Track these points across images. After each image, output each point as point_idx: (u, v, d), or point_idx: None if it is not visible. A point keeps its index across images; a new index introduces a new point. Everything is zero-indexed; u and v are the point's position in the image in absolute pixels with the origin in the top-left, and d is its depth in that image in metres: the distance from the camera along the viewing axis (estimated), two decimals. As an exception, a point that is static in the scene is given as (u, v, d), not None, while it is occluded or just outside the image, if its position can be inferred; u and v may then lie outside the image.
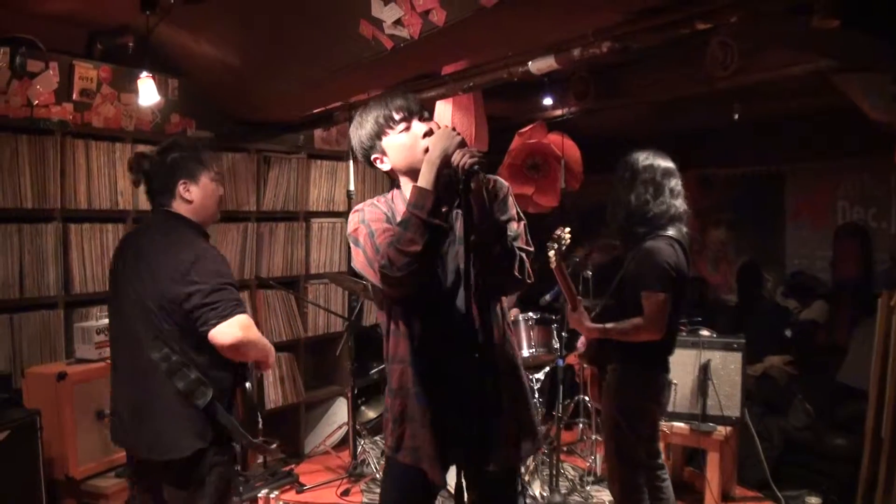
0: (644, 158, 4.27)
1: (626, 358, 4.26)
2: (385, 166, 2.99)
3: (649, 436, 4.39)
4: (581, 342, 4.70)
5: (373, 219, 2.87)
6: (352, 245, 2.91)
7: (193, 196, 3.48)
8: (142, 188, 3.58)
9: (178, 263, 3.29)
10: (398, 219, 2.80)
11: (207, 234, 3.61)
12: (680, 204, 4.23)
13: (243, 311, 3.35)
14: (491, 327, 2.94)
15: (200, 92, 6.17)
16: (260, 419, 3.68)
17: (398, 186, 3.04)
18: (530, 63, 4.46)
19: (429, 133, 2.87)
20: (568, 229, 4.30)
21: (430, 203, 2.65)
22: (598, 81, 5.91)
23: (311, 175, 7.18)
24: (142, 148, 5.66)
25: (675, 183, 4.23)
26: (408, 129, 2.90)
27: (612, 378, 4.34)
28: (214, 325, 3.24)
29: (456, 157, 2.65)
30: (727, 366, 5.42)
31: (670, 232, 4.15)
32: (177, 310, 3.28)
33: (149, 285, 3.33)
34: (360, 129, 2.98)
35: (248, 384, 3.52)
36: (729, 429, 5.41)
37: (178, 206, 3.48)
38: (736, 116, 5.91)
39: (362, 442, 6.53)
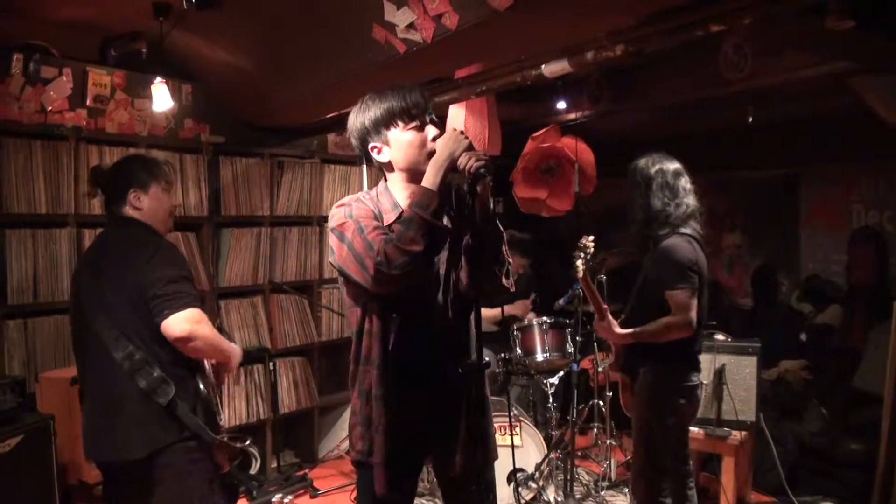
0: (653, 163, 4.31)
1: (658, 359, 4.26)
2: (382, 157, 2.93)
3: (678, 438, 4.39)
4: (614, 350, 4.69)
5: (361, 215, 2.82)
6: (334, 239, 2.84)
7: (143, 204, 3.59)
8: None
9: (137, 258, 3.38)
10: (384, 216, 2.83)
11: (161, 234, 3.67)
12: (692, 201, 4.26)
13: (196, 306, 3.39)
14: (469, 332, 2.95)
15: (214, 97, 6.19)
16: (220, 418, 3.64)
17: (385, 180, 3.01)
18: (543, 66, 4.44)
19: (437, 138, 2.85)
20: (592, 238, 4.30)
21: (434, 204, 2.65)
22: (613, 84, 5.88)
23: (325, 179, 7.19)
24: (156, 153, 5.77)
25: (685, 181, 4.28)
26: (419, 128, 2.88)
27: (645, 380, 4.34)
28: (167, 317, 3.29)
29: (462, 161, 2.66)
30: (742, 370, 5.39)
31: (687, 230, 4.17)
32: (139, 303, 3.33)
33: (110, 284, 3.39)
34: (366, 112, 2.91)
35: (201, 385, 3.52)
36: (744, 433, 5.37)
37: (131, 213, 3.59)
38: (750, 119, 5.88)
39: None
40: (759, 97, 5.63)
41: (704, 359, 5.33)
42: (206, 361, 3.62)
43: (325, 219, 6.96)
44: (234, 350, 3.69)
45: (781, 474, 5.61)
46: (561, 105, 6.39)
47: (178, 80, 5.91)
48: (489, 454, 3.06)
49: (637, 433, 4.41)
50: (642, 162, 4.35)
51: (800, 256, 7.97)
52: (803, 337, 7.08)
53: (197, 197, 6.16)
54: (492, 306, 5.71)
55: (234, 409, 6.33)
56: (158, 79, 5.36)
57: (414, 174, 2.82)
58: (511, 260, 2.97)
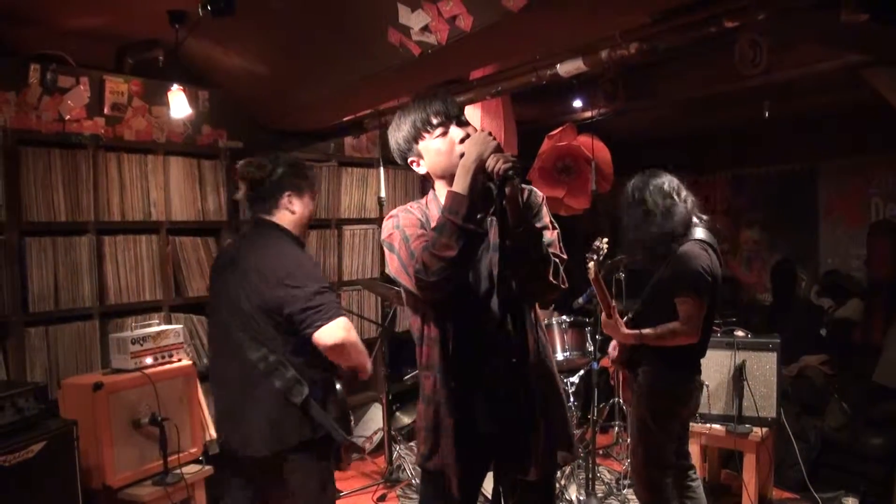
0: (644, 185, 4.32)
1: (657, 360, 4.27)
2: (421, 169, 2.96)
3: (679, 437, 4.40)
4: (613, 346, 4.67)
5: (407, 224, 2.85)
6: (386, 251, 2.89)
7: (296, 208, 3.75)
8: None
9: (278, 269, 3.52)
10: (433, 224, 2.79)
11: (303, 243, 3.84)
12: (688, 199, 4.26)
13: (343, 314, 3.56)
14: (525, 334, 2.91)
15: (230, 102, 6.20)
16: (352, 419, 3.90)
17: (433, 189, 3.03)
18: (558, 66, 4.45)
19: (465, 138, 2.84)
20: (605, 239, 4.31)
21: (464, 208, 2.63)
22: (628, 82, 5.87)
23: (343, 182, 7.20)
24: (174, 160, 5.84)
25: (667, 185, 4.27)
26: (444, 133, 2.87)
27: (644, 379, 4.34)
28: (319, 328, 3.46)
29: (490, 163, 2.64)
30: (763, 366, 5.36)
31: (700, 235, 4.15)
32: (276, 314, 3.51)
33: (248, 291, 3.57)
34: (397, 132, 2.95)
35: (338, 386, 3.77)
36: (765, 430, 5.33)
37: (280, 217, 3.74)
38: (766, 114, 5.86)
39: (397, 447, 6.52)
40: (776, 92, 5.61)
41: (724, 355, 5.35)
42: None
43: (343, 221, 7.02)
44: (368, 356, 3.80)
45: (803, 470, 5.58)
46: (576, 104, 6.37)
47: (194, 86, 5.93)
48: (570, 453, 3.04)
49: (635, 432, 4.40)
50: (633, 185, 4.38)
51: (819, 251, 7.95)
52: (823, 332, 7.06)
53: (216, 202, 6.17)
54: (544, 306, 5.71)
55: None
56: (175, 86, 5.38)
57: (451, 178, 2.78)
58: (565, 256, 2.95)
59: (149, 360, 4.70)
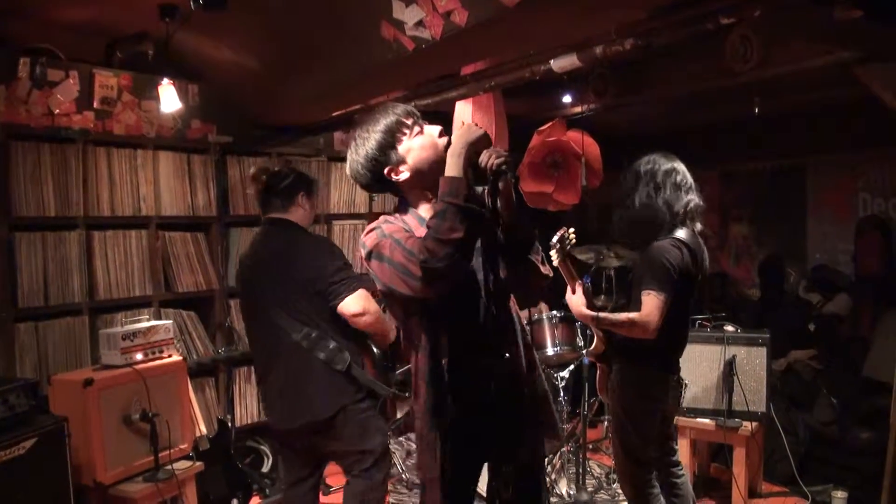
0: (646, 163, 4.26)
1: (629, 358, 4.24)
2: (403, 176, 2.85)
3: (660, 433, 4.35)
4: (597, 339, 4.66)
5: (394, 230, 2.75)
6: (374, 263, 2.76)
7: (307, 206, 4.39)
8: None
9: (304, 253, 4.17)
10: (415, 233, 2.74)
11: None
12: (689, 200, 4.18)
13: (362, 286, 4.13)
14: (514, 329, 2.95)
15: (221, 97, 6.17)
16: (392, 374, 4.55)
17: (407, 205, 2.96)
18: (552, 61, 4.41)
19: (442, 132, 2.84)
20: (572, 230, 4.28)
21: (463, 189, 2.59)
22: (618, 78, 5.83)
23: (332, 177, 7.16)
24: (164, 154, 5.85)
25: (681, 179, 4.19)
26: (422, 131, 2.85)
27: (616, 377, 4.31)
28: (343, 298, 4.08)
29: (483, 158, 2.63)
30: (752, 361, 5.39)
31: (679, 234, 4.10)
32: (310, 291, 4.10)
33: (283, 278, 4.13)
34: (365, 145, 2.84)
35: (374, 348, 4.40)
36: (755, 424, 5.37)
37: (293, 213, 4.33)
38: (756, 110, 5.84)
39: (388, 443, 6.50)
40: (766, 87, 5.59)
41: (714, 350, 5.37)
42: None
43: (333, 216, 6.98)
44: (392, 325, 4.28)
45: (792, 464, 5.61)
46: (566, 99, 6.35)
47: (184, 80, 5.89)
48: (556, 444, 3.06)
49: (613, 430, 4.40)
50: (638, 161, 4.30)
51: (807, 246, 7.97)
52: (811, 326, 7.07)
53: (205, 197, 6.14)
54: (534, 302, 5.80)
55: (246, 408, 6.31)
56: (165, 80, 5.35)
57: (434, 187, 2.71)
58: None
59: (139, 356, 4.67)
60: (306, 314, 4.11)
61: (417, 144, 2.83)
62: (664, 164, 4.22)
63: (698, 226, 4.24)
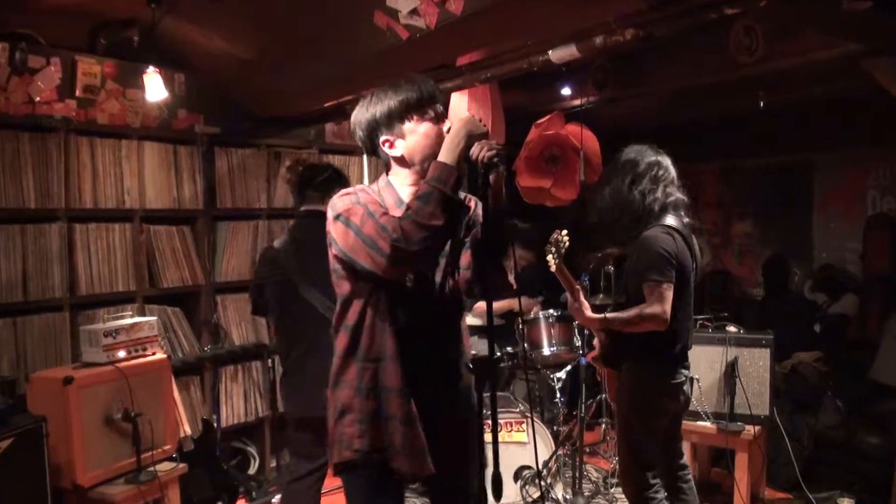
0: (629, 153, 4.28)
1: (640, 355, 4.22)
2: (394, 152, 2.87)
3: (669, 434, 4.36)
4: (596, 343, 4.66)
5: (369, 201, 2.78)
6: (339, 227, 2.77)
7: None
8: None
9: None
10: (391, 212, 2.75)
11: None
12: (671, 192, 4.20)
13: None
14: (461, 334, 3.03)
15: (208, 86, 6.16)
16: None
17: (388, 174, 2.98)
18: (550, 52, 4.40)
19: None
20: (565, 232, 4.28)
21: (453, 179, 2.63)
22: (618, 70, 5.84)
23: (323, 170, 7.10)
24: (149, 145, 5.82)
25: (663, 172, 4.21)
26: (434, 120, 2.86)
27: (627, 376, 4.31)
28: None
29: (475, 151, 2.64)
30: (755, 363, 5.38)
31: (668, 221, 4.12)
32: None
33: (318, 270, 3.74)
34: (378, 105, 2.86)
35: None
36: (757, 428, 5.35)
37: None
38: (762, 104, 5.84)
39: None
40: (772, 81, 5.59)
41: (716, 351, 5.36)
42: None
43: (324, 210, 6.95)
44: None
45: (797, 469, 5.59)
46: (565, 91, 6.35)
47: (171, 68, 5.86)
48: (473, 462, 2.99)
49: (620, 430, 4.39)
50: (621, 152, 4.33)
51: (813, 245, 7.98)
52: (817, 328, 7.08)
53: (192, 190, 6.13)
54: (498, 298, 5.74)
55: (233, 408, 6.30)
56: (151, 68, 5.32)
57: (423, 170, 2.78)
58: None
59: (121, 354, 4.64)
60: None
61: (423, 131, 2.84)
62: (648, 156, 4.24)
63: (685, 219, 4.25)
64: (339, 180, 4.58)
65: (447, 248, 2.90)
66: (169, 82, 5.74)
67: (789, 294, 7.67)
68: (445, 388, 2.91)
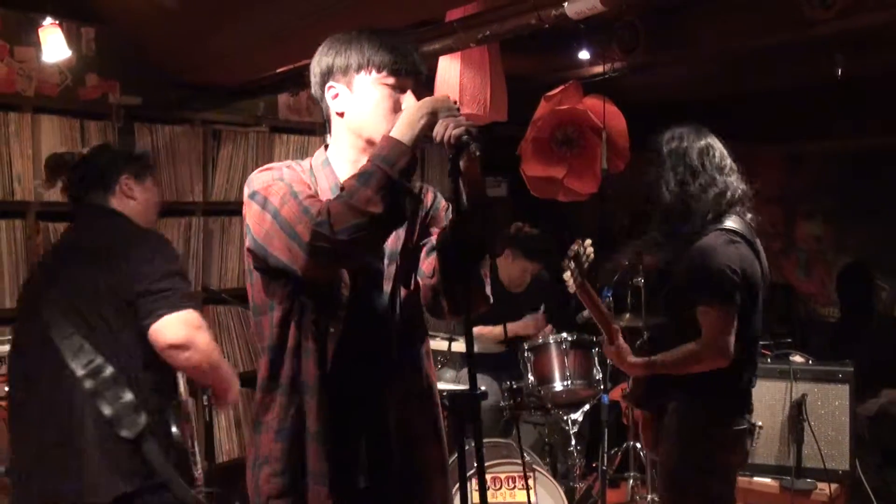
0: (669, 140, 4.25)
1: (691, 394, 4.13)
2: (337, 105, 2.88)
3: (720, 494, 4.24)
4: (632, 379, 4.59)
5: (295, 180, 2.76)
6: (254, 208, 2.74)
7: (137, 195, 3.91)
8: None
9: (128, 252, 3.62)
10: (322, 196, 2.77)
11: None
12: (732, 182, 4.16)
13: (196, 309, 3.62)
14: (421, 361, 3.04)
15: (125, 45, 6.06)
16: (198, 466, 4.00)
17: (327, 148, 3.01)
18: (566, 4, 4.28)
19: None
20: (589, 241, 4.21)
21: (404, 161, 2.60)
22: (651, 29, 5.77)
23: (276, 153, 7.11)
24: (47, 119, 5.73)
25: (720, 158, 4.18)
26: (395, 87, 2.84)
27: (673, 422, 4.20)
28: (160, 317, 3.48)
29: (439, 129, 2.61)
30: (829, 402, 5.38)
31: (729, 223, 4.06)
32: (122, 305, 3.53)
33: (86, 284, 3.56)
34: (342, 46, 2.86)
35: (172, 423, 3.71)
36: (834, 486, 5.32)
37: (118, 204, 3.86)
38: (839, 72, 5.74)
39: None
40: (854, 42, 5.50)
41: (777, 387, 5.34)
42: (184, 393, 3.92)
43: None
44: (234, 376, 3.90)
45: (886, 537, 5.55)
46: (583, 55, 6.26)
47: (75, 21, 5.81)
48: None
49: (665, 490, 4.34)
50: (661, 137, 4.30)
51: (904, 253, 7.92)
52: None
53: (105, 177, 6.02)
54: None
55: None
56: (49, 19, 5.25)
57: (370, 145, 2.77)
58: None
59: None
60: (107, 338, 3.54)
61: (378, 96, 2.83)
62: (695, 140, 4.21)
63: (748, 215, 4.20)
64: (129, 161, 4.03)
65: (397, 249, 2.91)
66: (74, 39, 5.69)
67: (874, 315, 7.63)
68: (381, 425, 2.88)
